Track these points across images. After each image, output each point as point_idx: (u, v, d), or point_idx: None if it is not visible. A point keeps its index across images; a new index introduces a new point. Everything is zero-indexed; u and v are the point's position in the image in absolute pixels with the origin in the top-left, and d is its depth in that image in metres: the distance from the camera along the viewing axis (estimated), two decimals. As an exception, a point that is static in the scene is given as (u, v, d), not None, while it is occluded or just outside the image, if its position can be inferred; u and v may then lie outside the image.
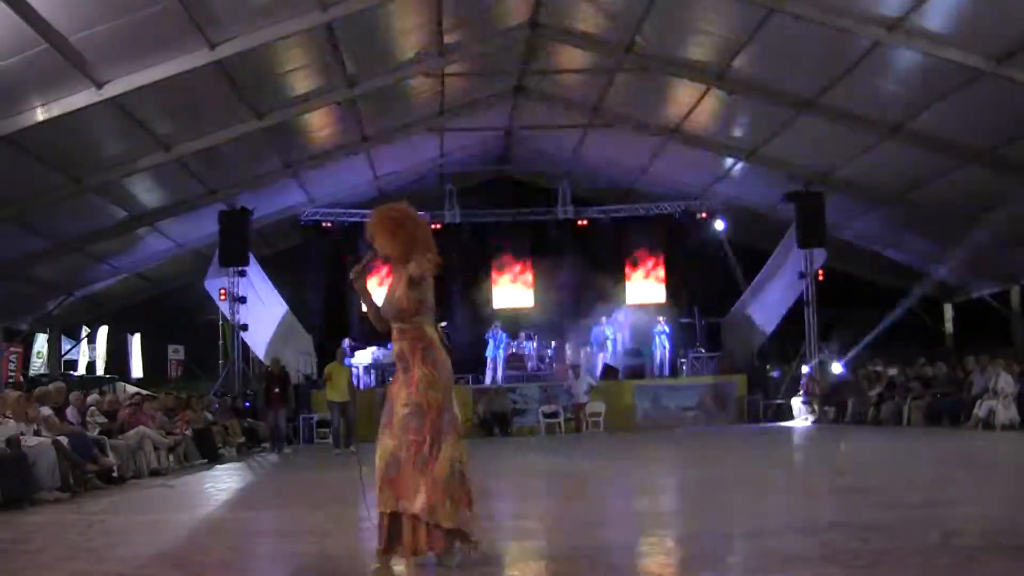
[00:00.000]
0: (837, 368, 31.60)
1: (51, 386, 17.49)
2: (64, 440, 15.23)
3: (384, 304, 7.76)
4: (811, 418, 29.96)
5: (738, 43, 23.10)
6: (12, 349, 30.65)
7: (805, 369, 31.86)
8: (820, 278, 32.02)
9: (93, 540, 10.46)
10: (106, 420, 18.46)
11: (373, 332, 34.03)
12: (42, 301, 30.72)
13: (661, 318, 34.01)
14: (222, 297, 30.87)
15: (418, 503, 7.03)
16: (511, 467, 19.18)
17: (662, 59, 25.26)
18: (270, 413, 26.70)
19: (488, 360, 33.33)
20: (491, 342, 33.28)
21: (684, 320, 34.78)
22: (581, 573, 7.26)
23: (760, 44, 22.79)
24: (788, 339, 33.16)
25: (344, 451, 22.86)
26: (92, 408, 18.47)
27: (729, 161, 30.89)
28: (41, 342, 32.70)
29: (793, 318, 32.61)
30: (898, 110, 23.69)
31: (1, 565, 9.48)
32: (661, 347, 33.54)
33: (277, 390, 26.21)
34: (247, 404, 29.25)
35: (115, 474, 17.04)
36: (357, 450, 23.38)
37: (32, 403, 15.97)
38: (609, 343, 33.94)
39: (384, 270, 9.08)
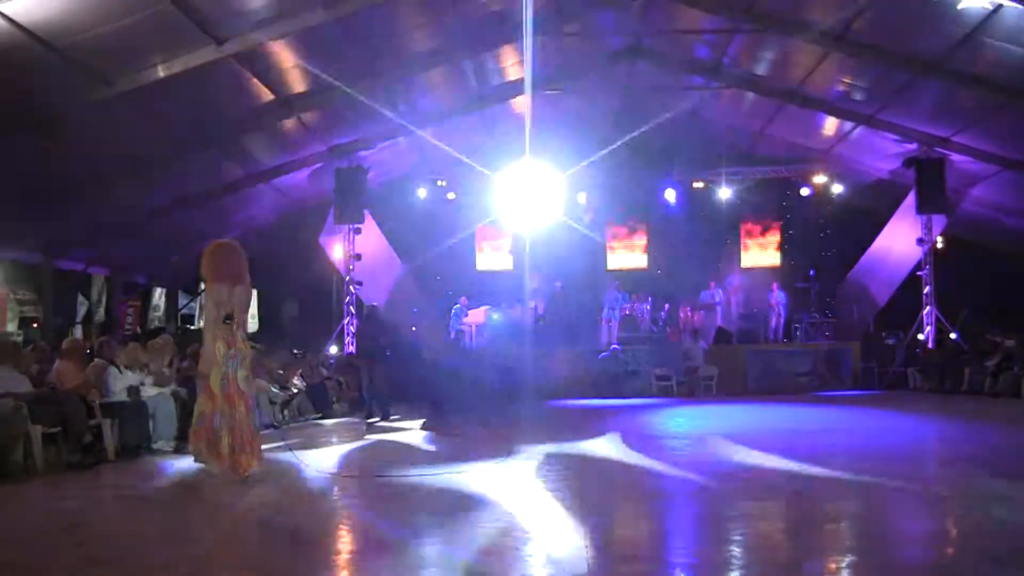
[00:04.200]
0: (954, 337, 31.16)
1: (159, 338, 17.80)
2: (183, 391, 15.56)
3: (240, 311, 11.89)
4: (927, 387, 29.57)
5: (859, 4, 22.75)
6: (130, 303, 31.26)
7: (921, 337, 31.50)
8: (939, 245, 31.62)
9: (205, 490, 10.69)
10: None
11: (487, 292, 34.26)
12: (160, 256, 31.22)
13: (776, 282, 33.75)
14: (337, 254, 31.20)
15: None
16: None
17: (781, 20, 24.94)
18: (363, 369, 23.20)
19: (603, 321, 33.27)
20: (606, 303, 33.18)
21: (799, 285, 34.49)
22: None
23: (882, 5, 22.43)
24: (905, 306, 32.71)
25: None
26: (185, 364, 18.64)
27: (848, 125, 30.45)
28: (159, 296, 33.25)
29: (910, 285, 32.23)
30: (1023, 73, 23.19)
31: (121, 509, 9.75)
32: (775, 312, 33.31)
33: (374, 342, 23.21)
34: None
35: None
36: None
37: (152, 355, 16.36)
38: (719, 307, 33.79)
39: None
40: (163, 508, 9.71)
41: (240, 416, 11.23)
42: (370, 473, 12.16)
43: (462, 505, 9.25)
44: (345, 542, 7.99)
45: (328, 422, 21.30)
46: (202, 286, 35.07)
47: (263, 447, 11.77)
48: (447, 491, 10.04)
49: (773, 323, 33.29)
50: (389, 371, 22.47)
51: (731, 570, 6.82)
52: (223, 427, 11.08)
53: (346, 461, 13.81)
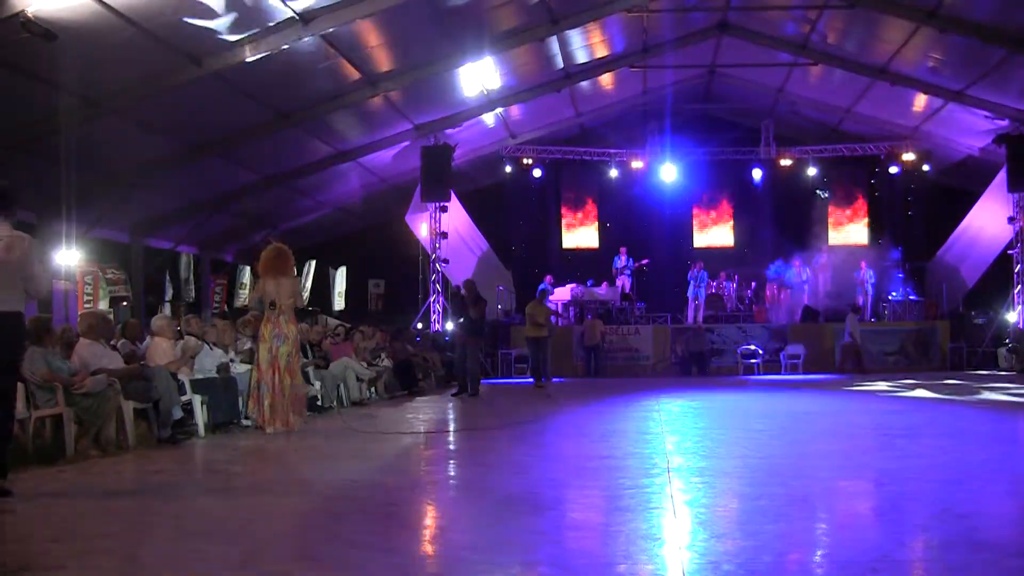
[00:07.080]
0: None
1: (249, 315, 17.97)
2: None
3: (284, 298, 14.41)
4: (1017, 368, 29.15)
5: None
6: (218, 281, 31.61)
7: (1012, 317, 31.06)
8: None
9: (301, 465, 10.80)
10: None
11: (573, 270, 34.30)
12: (247, 234, 31.55)
13: (863, 261, 33.46)
14: (423, 232, 31.33)
15: None
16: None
17: (872, -4, 24.68)
18: (458, 343, 23.26)
19: (689, 299, 33.22)
20: (692, 281, 33.11)
21: (887, 263, 34.14)
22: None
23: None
24: (995, 286, 32.30)
25: (540, 386, 23.26)
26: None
27: (937, 102, 30.04)
28: (246, 274, 33.54)
29: (1001, 264, 31.80)
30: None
31: (217, 482, 9.86)
32: (863, 290, 33.02)
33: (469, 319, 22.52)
34: (447, 338, 29.46)
35: (319, 403, 17.55)
36: (547, 385, 23.93)
37: (238, 332, 16.56)
38: (806, 285, 33.55)
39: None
40: (259, 483, 9.79)
41: (278, 384, 14.02)
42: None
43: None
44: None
45: (417, 400, 21.36)
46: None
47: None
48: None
49: (861, 301, 32.89)
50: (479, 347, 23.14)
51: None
52: (265, 393, 13.93)
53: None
